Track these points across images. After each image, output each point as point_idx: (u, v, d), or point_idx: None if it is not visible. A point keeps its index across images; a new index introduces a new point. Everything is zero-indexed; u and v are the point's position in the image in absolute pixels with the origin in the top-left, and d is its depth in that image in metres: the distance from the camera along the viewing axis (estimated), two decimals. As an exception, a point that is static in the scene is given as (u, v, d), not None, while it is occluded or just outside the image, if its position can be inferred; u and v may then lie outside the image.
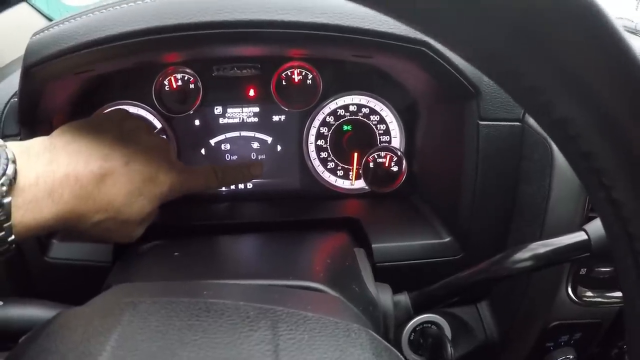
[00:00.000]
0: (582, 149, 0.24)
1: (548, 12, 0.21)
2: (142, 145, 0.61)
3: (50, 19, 1.07)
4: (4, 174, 0.46)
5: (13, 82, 0.70)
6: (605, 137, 0.23)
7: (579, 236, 0.56)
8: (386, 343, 0.42)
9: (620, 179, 0.24)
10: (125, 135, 0.60)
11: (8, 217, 0.47)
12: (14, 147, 0.50)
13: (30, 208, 0.49)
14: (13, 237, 0.48)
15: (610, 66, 0.22)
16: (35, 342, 0.40)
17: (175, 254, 0.65)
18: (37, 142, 0.54)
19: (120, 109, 0.69)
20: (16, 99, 0.68)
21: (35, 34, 0.62)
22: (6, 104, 0.68)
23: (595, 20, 0.21)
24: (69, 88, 0.72)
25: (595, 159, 0.24)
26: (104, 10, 0.58)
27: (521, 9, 0.21)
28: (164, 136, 0.84)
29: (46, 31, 0.61)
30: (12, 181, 0.47)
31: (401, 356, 0.42)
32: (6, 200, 0.46)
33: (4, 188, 0.46)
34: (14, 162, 0.47)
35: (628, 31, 1.26)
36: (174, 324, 0.38)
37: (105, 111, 0.66)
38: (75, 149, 0.55)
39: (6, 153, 0.47)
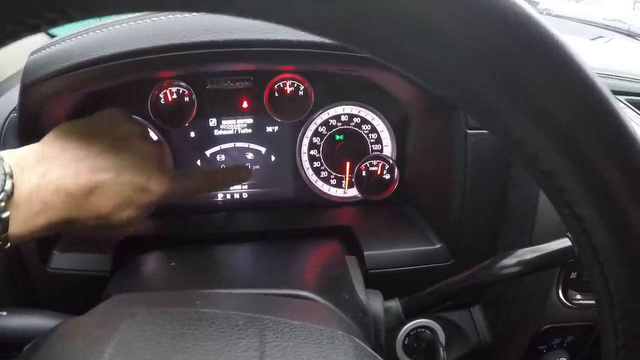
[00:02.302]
0: (542, 168, 0.25)
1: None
2: (133, 154, 0.61)
3: (49, 34, 1.09)
4: (2, 189, 0.48)
5: (12, 97, 0.72)
6: (562, 156, 0.24)
7: (564, 242, 0.57)
8: (370, 350, 0.43)
9: (579, 196, 0.25)
10: (117, 142, 0.61)
11: (5, 229, 0.49)
12: (8, 158, 0.51)
13: (25, 220, 0.51)
14: (8, 244, 0.50)
15: (562, 87, 0.23)
16: (38, 351, 0.42)
17: (172, 264, 0.67)
18: (30, 153, 0.55)
19: (116, 109, 0.67)
20: (15, 114, 0.69)
21: (33, 53, 0.63)
22: (6, 119, 0.70)
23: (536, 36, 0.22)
24: (66, 103, 0.73)
25: (555, 177, 0.25)
26: (98, 31, 0.60)
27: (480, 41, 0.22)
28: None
29: (43, 51, 0.62)
30: (10, 195, 0.49)
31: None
32: (4, 215, 0.48)
33: (2, 204, 0.48)
34: (11, 176, 0.49)
35: (621, 33, 1.27)
36: (167, 332, 0.40)
37: (102, 111, 0.66)
38: (66, 160, 0.56)
39: (3, 168, 0.49)
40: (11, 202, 0.49)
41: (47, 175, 0.54)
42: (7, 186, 0.48)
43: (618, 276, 0.27)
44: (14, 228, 0.50)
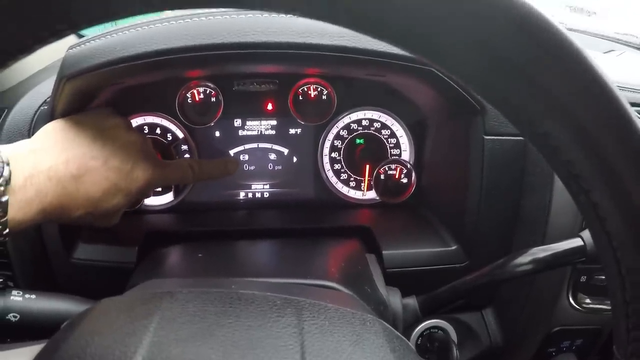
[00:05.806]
0: (562, 158, 0.28)
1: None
2: (120, 142, 0.66)
3: (77, 34, 1.12)
4: (1, 175, 0.52)
5: (42, 91, 0.76)
6: (580, 148, 0.27)
7: (575, 242, 0.59)
8: (398, 333, 0.46)
9: (594, 182, 0.28)
10: (104, 132, 0.65)
11: (5, 213, 0.53)
12: (3, 150, 0.56)
13: (21, 206, 0.55)
14: (7, 230, 0.54)
15: (581, 85, 0.26)
16: (78, 327, 0.44)
17: (199, 255, 0.69)
18: (24, 146, 0.60)
19: (103, 109, 0.73)
20: (46, 107, 0.72)
21: (71, 47, 0.66)
22: (36, 111, 0.73)
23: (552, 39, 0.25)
24: (99, 98, 0.76)
25: (573, 166, 0.28)
26: (139, 29, 0.63)
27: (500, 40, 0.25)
28: (186, 146, 0.89)
29: (82, 45, 0.65)
30: (8, 181, 0.53)
31: (411, 345, 0.46)
32: (4, 199, 0.53)
33: (1, 188, 0.52)
34: (8, 164, 0.54)
35: (632, 47, 1.29)
36: (209, 310, 0.43)
37: (90, 110, 0.70)
38: (57, 150, 0.60)
39: (0, 157, 0.53)
40: (8, 188, 0.53)
41: (40, 164, 0.58)
42: (5, 172, 0.53)
43: (630, 260, 0.29)
44: (12, 213, 0.54)
